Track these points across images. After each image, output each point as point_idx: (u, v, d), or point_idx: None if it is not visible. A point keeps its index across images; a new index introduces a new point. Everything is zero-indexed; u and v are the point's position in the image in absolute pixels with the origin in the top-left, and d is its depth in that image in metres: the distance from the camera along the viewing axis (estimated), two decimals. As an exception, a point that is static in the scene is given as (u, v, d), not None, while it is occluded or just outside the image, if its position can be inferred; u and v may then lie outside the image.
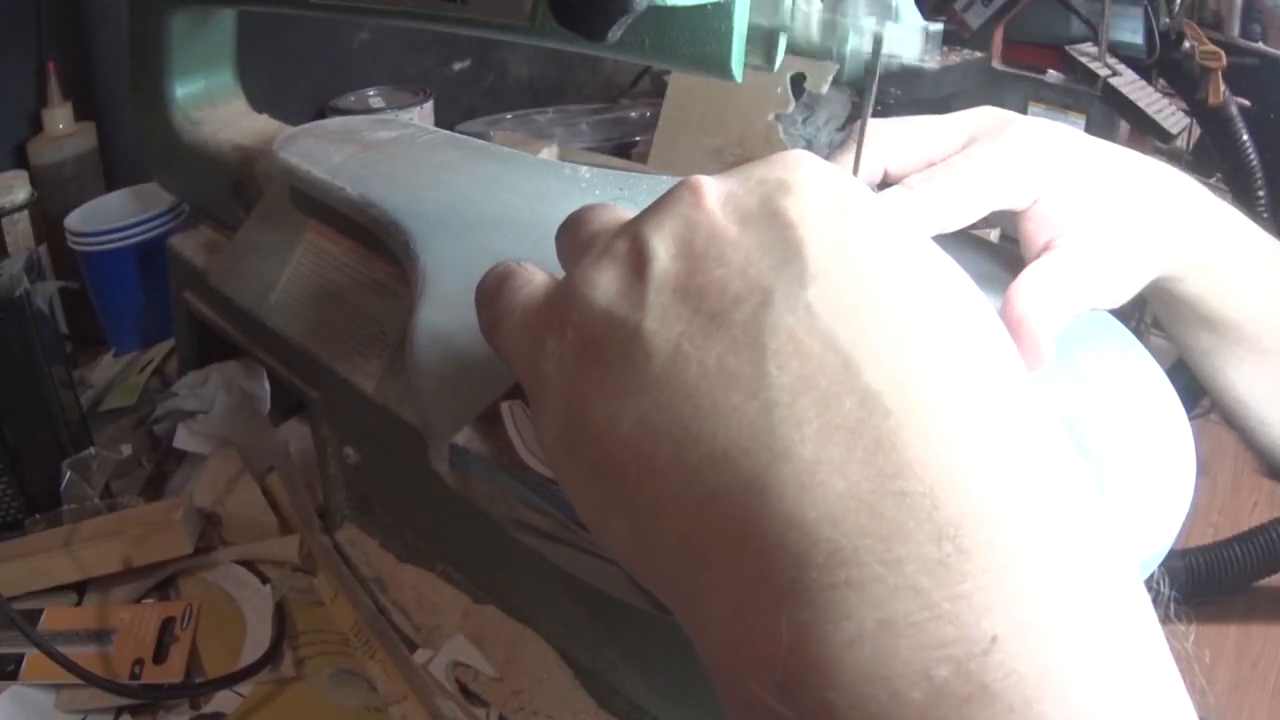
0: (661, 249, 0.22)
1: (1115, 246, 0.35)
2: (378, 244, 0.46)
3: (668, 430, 0.20)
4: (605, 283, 0.22)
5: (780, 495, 0.19)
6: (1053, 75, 1.00)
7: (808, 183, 0.22)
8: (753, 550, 0.19)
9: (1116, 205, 0.36)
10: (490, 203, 0.46)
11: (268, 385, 0.59)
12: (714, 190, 0.23)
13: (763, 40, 0.32)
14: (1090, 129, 0.40)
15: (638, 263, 0.22)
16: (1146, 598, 0.19)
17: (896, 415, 0.19)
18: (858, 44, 0.30)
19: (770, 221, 0.21)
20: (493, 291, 0.26)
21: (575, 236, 0.26)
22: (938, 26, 0.32)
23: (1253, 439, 0.43)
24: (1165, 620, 0.20)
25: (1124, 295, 0.37)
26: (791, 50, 0.32)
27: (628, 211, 0.25)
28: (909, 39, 0.30)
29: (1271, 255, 0.41)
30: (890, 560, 0.18)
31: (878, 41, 0.29)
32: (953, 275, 0.22)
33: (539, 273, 0.26)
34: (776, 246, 0.21)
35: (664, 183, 0.46)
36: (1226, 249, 0.39)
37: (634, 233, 0.23)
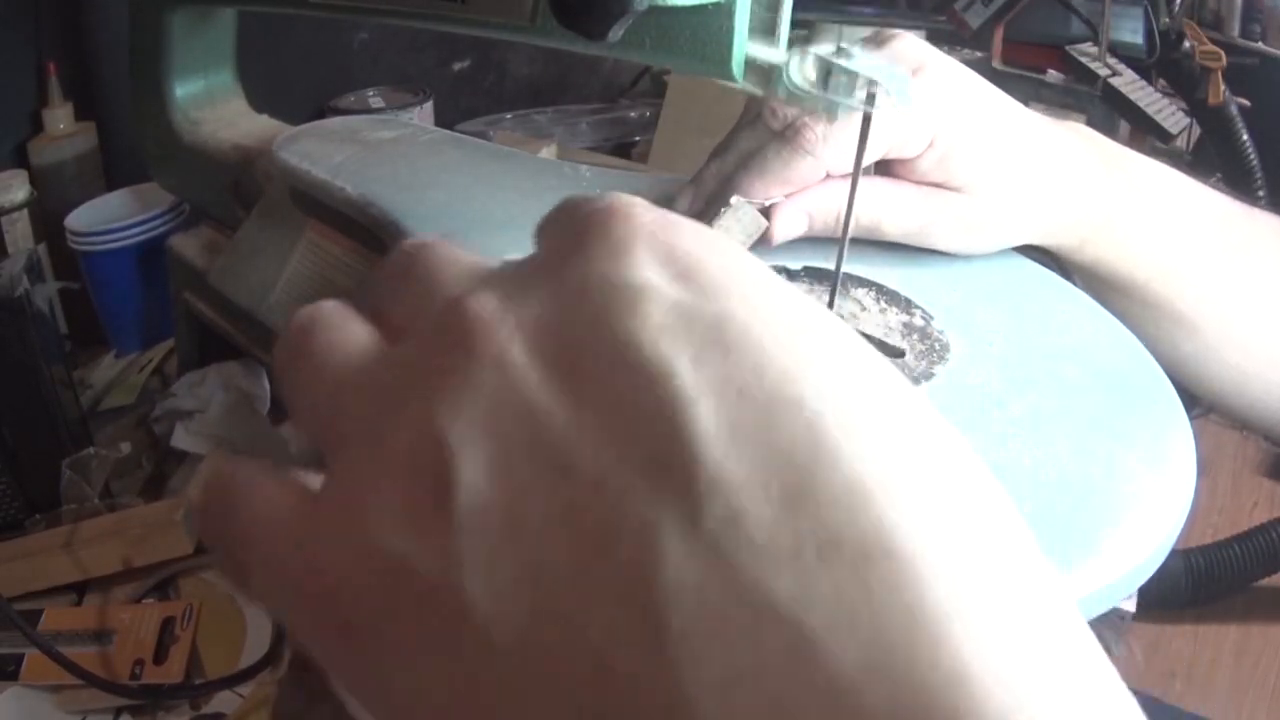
0: (468, 464, 0.14)
1: (983, 203, 0.37)
2: (378, 244, 0.46)
3: None
4: (389, 518, 0.14)
5: None
6: (1053, 75, 1.00)
7: (654, 283, 0.14)
8: None
9: (999, 166, 0.36)
10: (490, 202, 0.46)
11: (267, 385, 0.59)
12: (513, 330, 0.14)
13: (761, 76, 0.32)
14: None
15: (436, 486, 0.14)
16: (1091, 635, 0.14)
17: None
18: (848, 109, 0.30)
19: (613, 375, 0.14)
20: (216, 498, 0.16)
21: (399, 303, 0.17)
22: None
23: (1221, 407, 0.44)
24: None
25: (980, 247, 0.38)
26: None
27: (475, 266, 0.17)
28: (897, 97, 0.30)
29: (1186, 214, 0.40)
30: None
31: (866, 120, 0.29)
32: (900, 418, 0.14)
33: (273, 482, 0.16)
34: (636, 426, 0.13)
35: (664, 182, 0.46)
36: (1122, 214, 0.38)
37: (422, 428, 0.14)
